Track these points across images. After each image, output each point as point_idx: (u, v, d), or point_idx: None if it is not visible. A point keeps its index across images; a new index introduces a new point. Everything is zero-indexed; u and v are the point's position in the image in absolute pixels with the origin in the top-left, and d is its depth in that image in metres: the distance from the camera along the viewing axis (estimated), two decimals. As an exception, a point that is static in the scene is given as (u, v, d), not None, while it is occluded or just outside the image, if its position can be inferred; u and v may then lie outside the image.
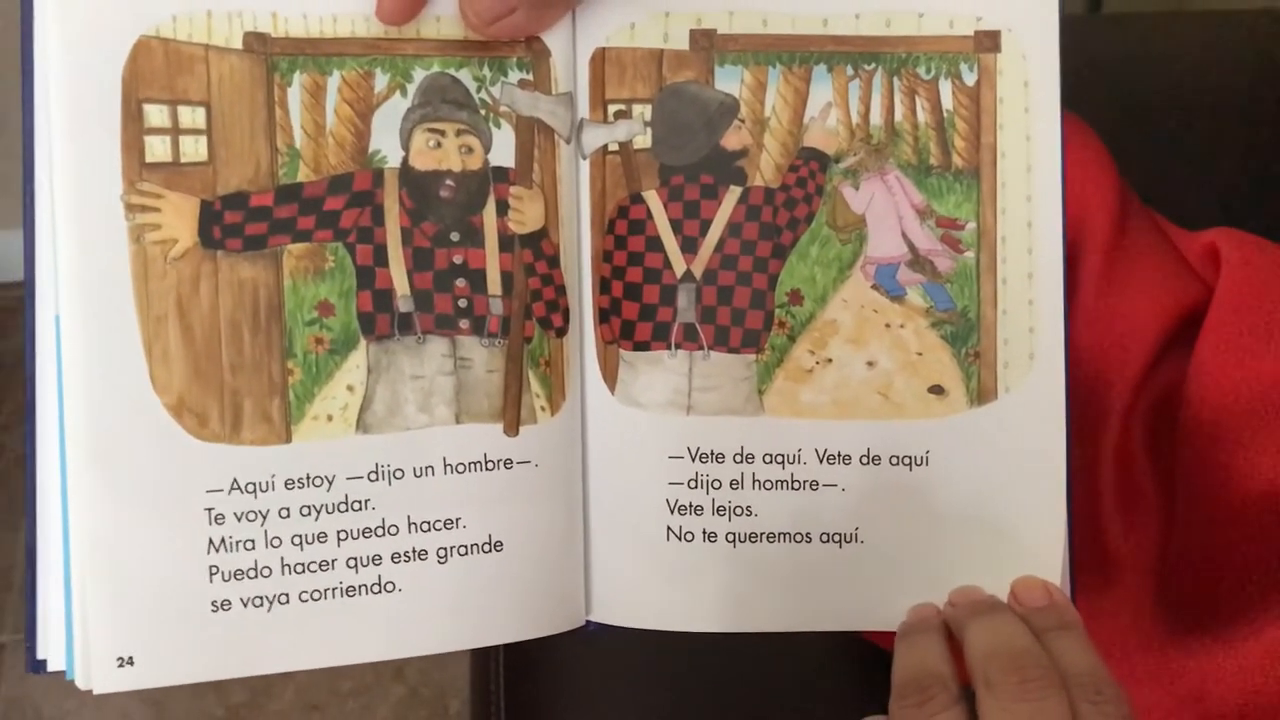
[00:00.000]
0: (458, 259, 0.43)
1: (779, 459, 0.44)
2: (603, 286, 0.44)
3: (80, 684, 0.40)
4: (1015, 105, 0.44)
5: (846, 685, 0.66)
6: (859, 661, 0.68)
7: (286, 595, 0.41)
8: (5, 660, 1.32)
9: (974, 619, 0.39)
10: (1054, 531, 0.43)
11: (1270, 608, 0.44)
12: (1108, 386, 0.45)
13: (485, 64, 0.43)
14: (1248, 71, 0.70)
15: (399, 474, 0.42)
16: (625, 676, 0.61)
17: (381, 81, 0.43)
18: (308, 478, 0.42)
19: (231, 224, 0.41)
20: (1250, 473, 0.44)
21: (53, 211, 0.40)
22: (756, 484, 0.44)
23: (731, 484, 0.44)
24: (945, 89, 0.44)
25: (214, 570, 0.41)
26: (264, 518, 0.41)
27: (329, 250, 0.42)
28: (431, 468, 0.43)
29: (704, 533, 0.44)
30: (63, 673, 0.40)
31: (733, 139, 0.44)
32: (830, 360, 0.44)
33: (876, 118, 0.44)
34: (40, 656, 0.40)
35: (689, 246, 0.44)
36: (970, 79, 0.44)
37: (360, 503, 0.42)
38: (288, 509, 0.41)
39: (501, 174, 0.43)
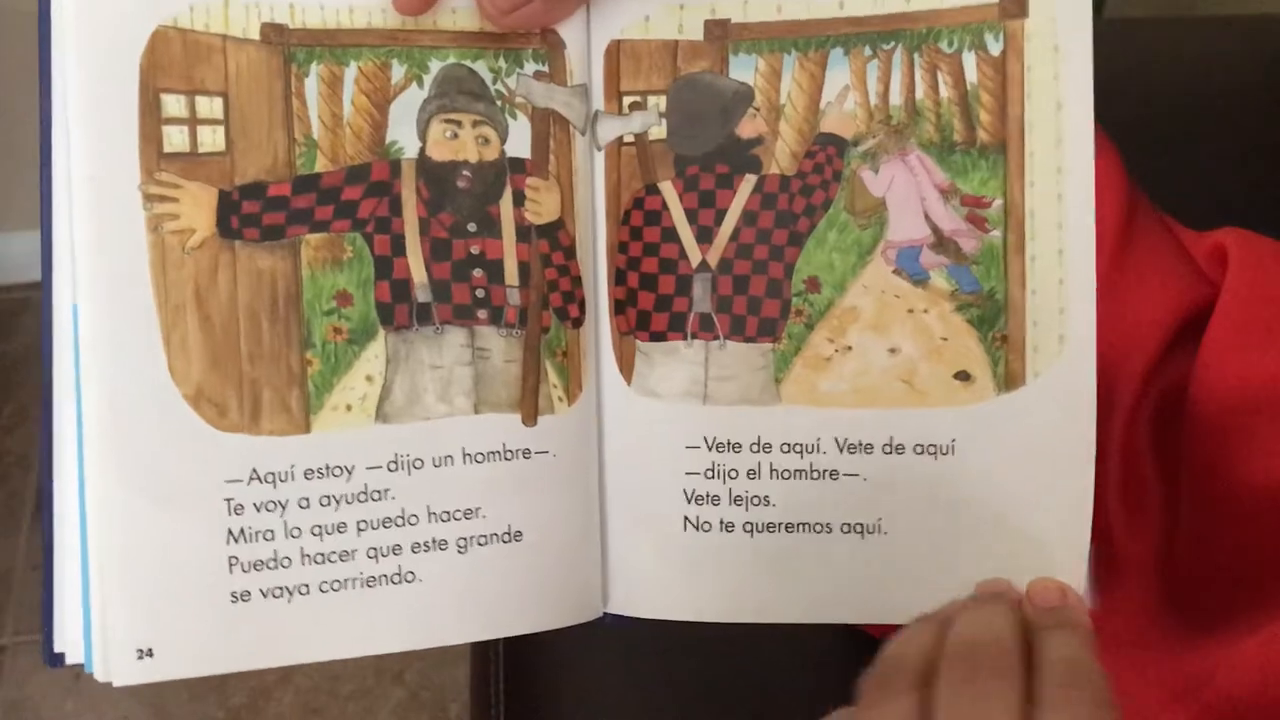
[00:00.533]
0: (475, 249, 0.43)
1: (797, 448, 0.44)
2: (618, 278, 0.44)
3: (99, 676, 0.39)
4: (1044, 73, 0.42)
5: (853, 682, 0.66)
6: (866, 660, 0.68)
7: (306, 586, 0.41)
8: (5, 663, 1.32)
9: (965, 609, 0.38)
10: (1079, 522, 0.42)
11: (1274, 602, 0.44)
12: (1114, 384, 0.45)
13: (501, 56, 0.43)
14: (1252, 77, 0.71)
15: (418, 464, 0.42)
16: (626, 679, 0.61)
17: (398, 73, 0.43)
18: (327, 468, 0.41)
19: (249, 214, 0.41)
20: (1255, 468, 0.44)
21: (70, 202, 0.40)
22: (774, 474, 0.44)
23: (749, 474, 0.44)
24: (969, 61, 0.43)
25: (233, 561, 0.41)
26: (283, 508, 0.41)
27: (347, 240, 0.42)
28: (450, 457, 0.42)
29: (721, 523, 0.44)
30: (76, 667, 0.40)
31: (748, 127, 0.44)
32: (850, 348, 0.44)
33: (896, 98, 0.43)
34: (58, 650, 0.40)
35: (704, 236, 0.44)
36: (995, 48, 0.42)
37: (380, 492, 0.42)
38: (307, 499, 0.41)
39: (518, 165, 0.44)
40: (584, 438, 0.44)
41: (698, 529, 0.44)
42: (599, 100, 0.44)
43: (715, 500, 0.44)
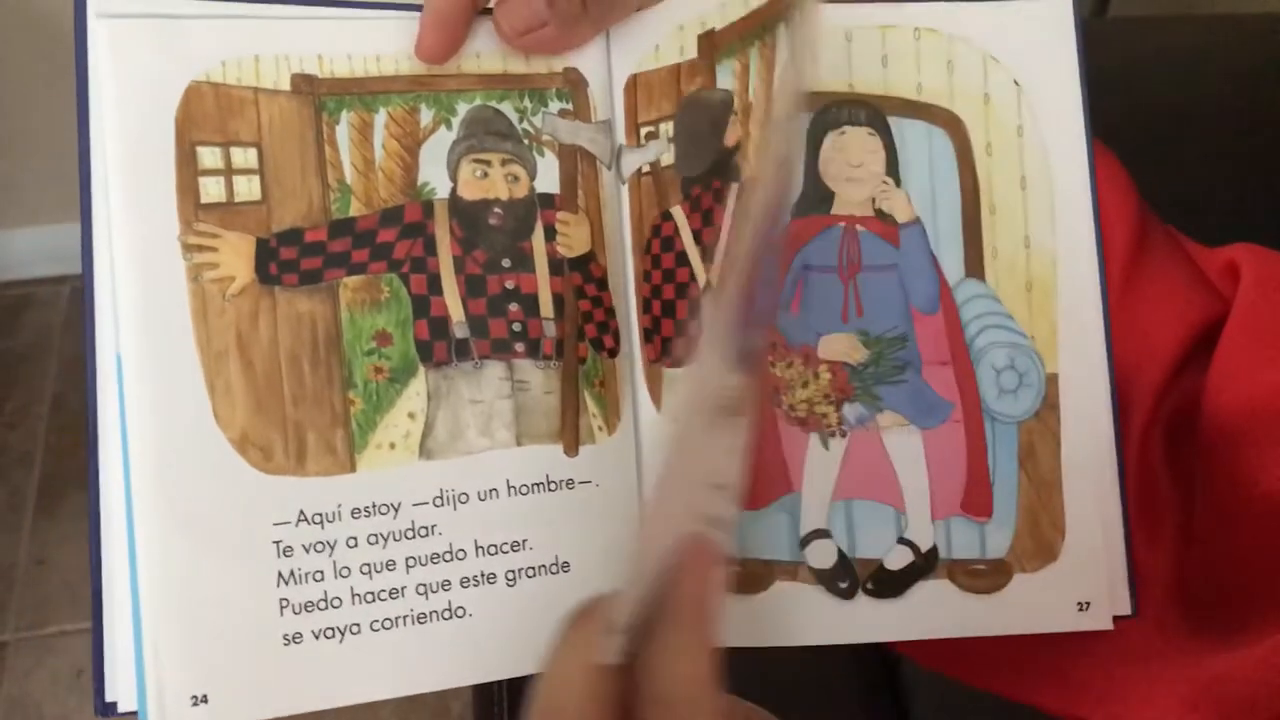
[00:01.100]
0: (510, 284, 0.44)
1: None
2: (645, 306, 0.45)
3: (156, 724, 0.39)
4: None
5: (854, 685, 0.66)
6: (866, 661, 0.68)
7: (358, 625, 0.41)
8: (7, 659, 1.32)
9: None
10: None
11: None
12: (1129, 403, 0.46)
13: (526, 95, 0.44)
14: (1256, 75, 0.72)
15: (464, 498, 0.42)
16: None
17: (427, 116, 0.44)
18: (374, 506, 0.42)
19: (287, 260, 0.42)
20: (1268, 478, 0.45)
21: (110, 253, 0.40)
22: None
23: None
24: None
25: (284, 603, 0.41)
26: (332, 548, 0.41)
27: (384, 281, 0.43)
28: (495, 490, 0.43)
29: (764, 545, 0.44)
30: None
31: (730, 135, 0.45)
32: None
33: None
34: (109, 699, 0.40)
35: (709, 255, 0.45)
36: None
37: (427, 529, 0.42)
38: (355, 538, 0.41)
39: (548, 200, 0.44)
40: (624, 466, 0.44)
41: (740, 552, 0.44)
42: (621, 134, 0.45)
43: (756, 523, 0.44)
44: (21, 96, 1.53)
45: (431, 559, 0.42)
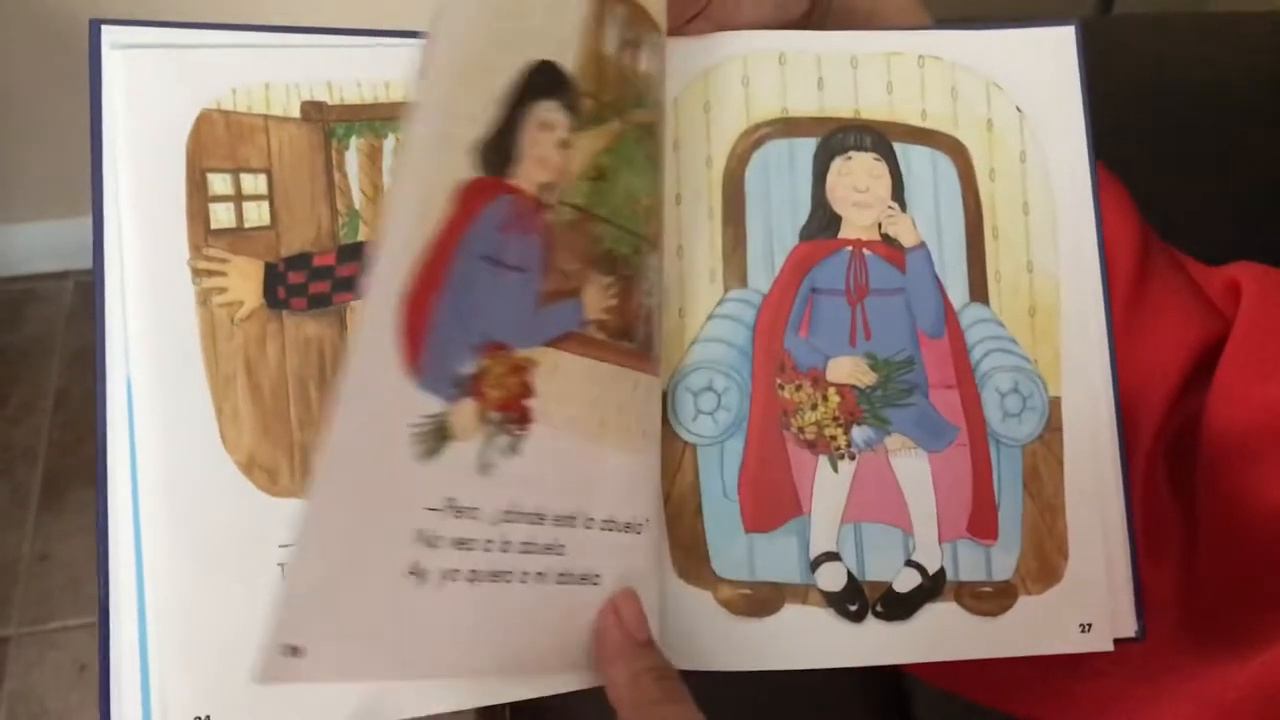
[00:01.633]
0: None
1: None
2: None
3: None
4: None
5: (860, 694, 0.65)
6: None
7: None
8: (10, 654, 1.31)
9: None
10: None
11: None
12: (1133, 425, 0.46)
13: None
14: (1265, 73, 0.72)
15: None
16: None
17: (435, 141, 0.44)
18: None
19: (295, 284, 0.42)
20: (1268, 492, 0.45)
21: (122, 277, 0.41)
22: None
23: None
24: None
25: None
26: None
27: (392, 305, 0.43)
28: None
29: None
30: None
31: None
32: None
33: None
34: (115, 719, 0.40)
35: None
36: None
37: None
38: None
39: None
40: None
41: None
42: None
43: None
44: (24, 92, 1.51)
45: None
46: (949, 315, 0.45)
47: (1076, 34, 0.47)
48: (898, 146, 0.46)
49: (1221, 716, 0.43)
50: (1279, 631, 0.44)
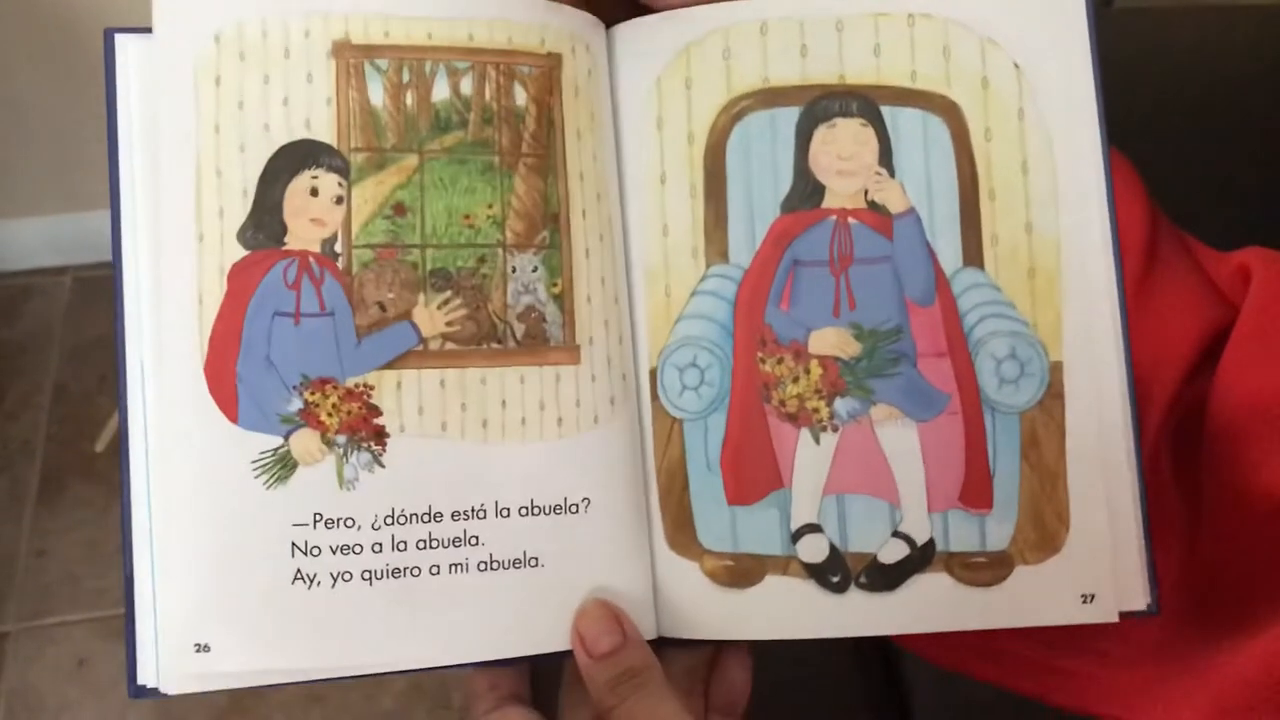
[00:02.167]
0: None
1: None
2: None
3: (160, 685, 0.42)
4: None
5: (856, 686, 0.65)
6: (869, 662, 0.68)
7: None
8: (8, 650, 1.33)
9: None
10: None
11: None
12: (1141, 410, 0.45)
13: None
14: (1265, 65, 0.68)
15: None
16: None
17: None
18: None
19: None
20: (1272, 474, 0.43)
21: (138, 283, 0.43)
22: None
23: None
24: None
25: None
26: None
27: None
28: None
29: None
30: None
31: None
32: None
33: None
34: (141, 681, 0.42)
35: None
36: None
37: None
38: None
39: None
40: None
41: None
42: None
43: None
44: (22, 87, 1.54)
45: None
46: (940, 282, 0.44)
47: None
48: (885, 110, 0.45)
49: (1226, 697, 0.42)
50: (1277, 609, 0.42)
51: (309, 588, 0.42)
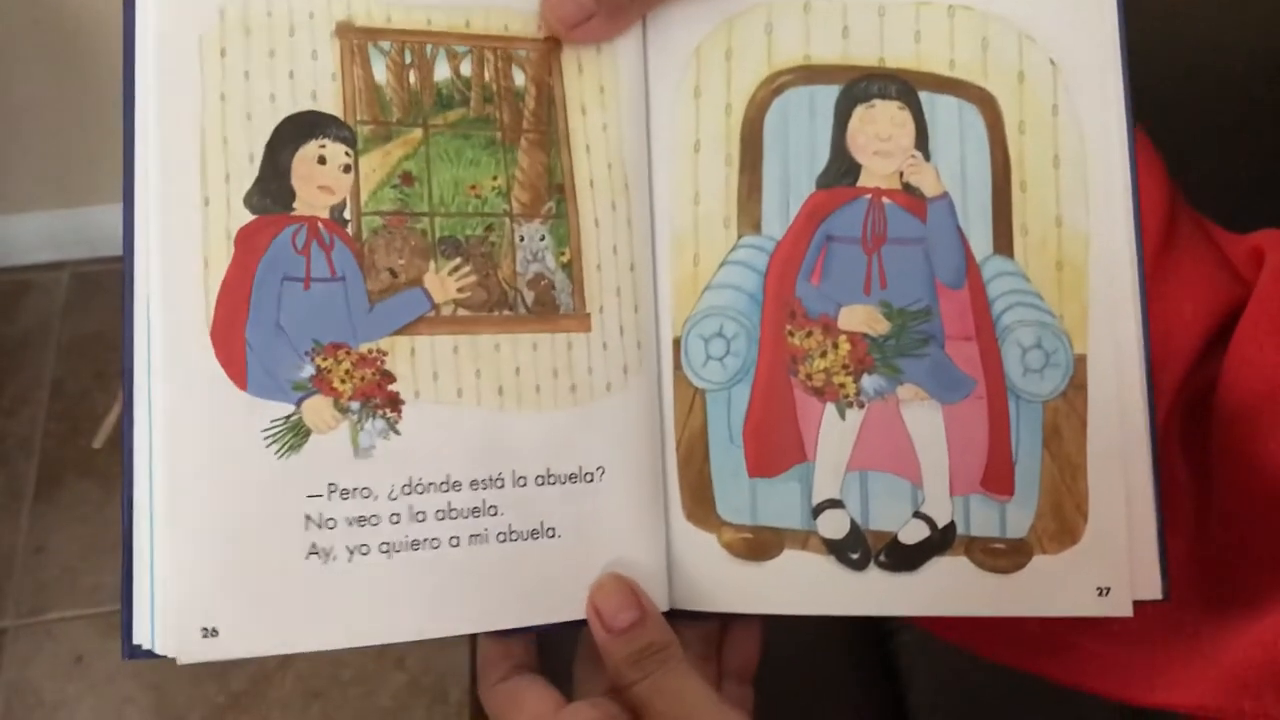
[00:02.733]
0: None
1: None
2: None
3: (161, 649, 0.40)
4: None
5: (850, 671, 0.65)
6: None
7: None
8: (6, 645, 1.33)
9: None
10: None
11: None
12: (1153, 389, 0.45)
13: None
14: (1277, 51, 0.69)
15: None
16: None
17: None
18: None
19: None
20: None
21: (149, 265, 0.41)
22: None
23: None
24: None
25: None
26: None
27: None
28: None
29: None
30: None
31: None
32: None
33: None
34: (136, 641, 0.40)
35: None
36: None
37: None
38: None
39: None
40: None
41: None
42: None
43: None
44: (20, 82, 1.54)
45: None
46: (970, 267, 0.45)
47: (1117, -13, 0.46)
48: (923, 95, 0.45)
49: (1234, 677, 0.42)
50: None
51: (324, 563, 0.41)
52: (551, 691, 0.43)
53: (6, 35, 1.50)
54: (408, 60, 0.44)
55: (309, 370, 0.41)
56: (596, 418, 0.44)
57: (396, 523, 0.41)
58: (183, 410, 0.40)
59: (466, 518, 0.42)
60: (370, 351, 0.42)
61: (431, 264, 0.43)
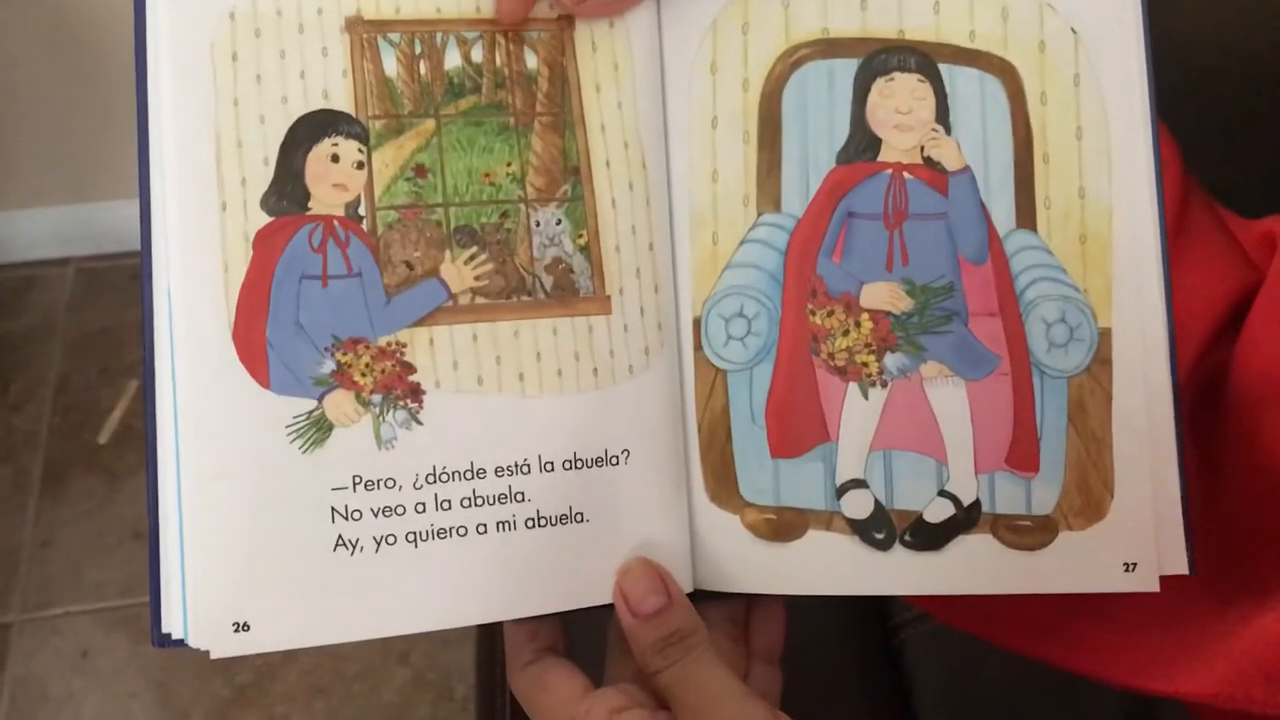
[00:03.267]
0: None
1: None
2: None
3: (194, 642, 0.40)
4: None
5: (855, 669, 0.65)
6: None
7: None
8: (12, 640, 1.33)
9: None
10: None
11: None
12: None
13: None
14: None
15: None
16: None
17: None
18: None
19: None
20: None
21: (165, 224, 0.41)
22: None
23: None
24: None
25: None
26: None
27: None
28: None
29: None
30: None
31: None
32: None
33: None
34: (165, 630, 0.40)
35: None
36: None
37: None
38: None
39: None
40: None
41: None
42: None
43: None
44: (26, 78, 1.54)
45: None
46: (993, 241, 0.44)
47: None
48: (943, 68, 0.45)
49: (1241, 666, 0.41)
50: None
51: (351, 554, 0.41)
52: (579, 675, 0.43)
53: (13, 32, 1.50)
54: (417, 50, 0.44)
55: (329, 366, 0.42)
56: (619, 400, 0.44)
57: (422, 512, 0.42)
58: (207, 410, 0.40)
59: (493, 505, 0.42)
60: (389, 344, 0.42)
61: (448, 254, 0.43)
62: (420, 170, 0.43)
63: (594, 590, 0.43)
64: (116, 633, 1.33)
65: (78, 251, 1.71)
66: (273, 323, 0.41)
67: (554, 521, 0.43)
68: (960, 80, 0.45)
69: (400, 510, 0.41)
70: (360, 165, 0.43)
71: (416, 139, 0.43)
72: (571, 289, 0.44)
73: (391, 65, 0.43)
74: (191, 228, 0.41)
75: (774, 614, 0.46)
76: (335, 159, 0.42)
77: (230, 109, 0.42)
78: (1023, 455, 0.43)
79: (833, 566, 0.43)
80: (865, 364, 0.44)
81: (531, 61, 0.44)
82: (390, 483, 0.42)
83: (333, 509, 0.41)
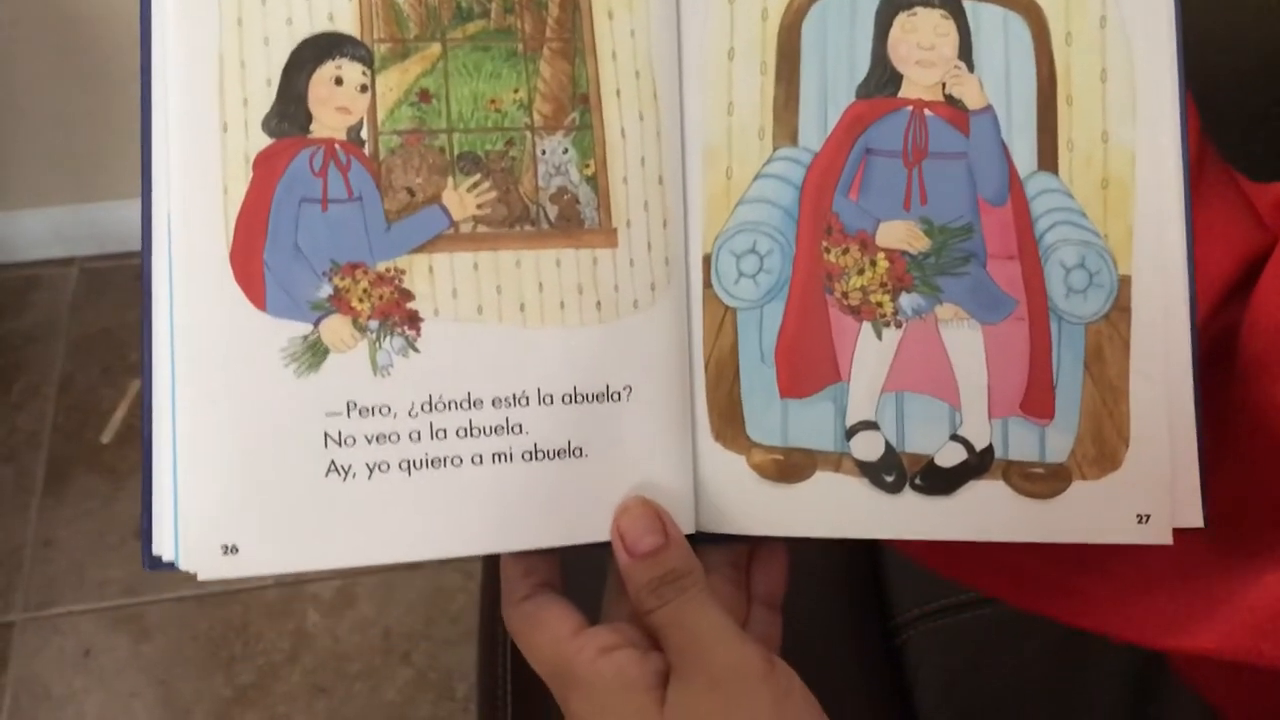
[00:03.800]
0: None
1: None
2: None
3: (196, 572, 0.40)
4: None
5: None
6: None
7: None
8: (15, 639, 1.34)
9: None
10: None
11: None
12: None
13: None
14: None
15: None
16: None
17: None
18: None
19: None
20: None
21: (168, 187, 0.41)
22: None
23: None
24: None
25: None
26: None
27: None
28: None
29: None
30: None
31: None
32: None
33: None
34: (156, 552, 0.40)
35: None
36: None
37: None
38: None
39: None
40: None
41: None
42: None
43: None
44: (28, 78, 1.54)
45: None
46: (1014, 183, 0.43)
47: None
48: (967, 5, 0.43)
49: (1246, 625, 0.41)
50: None
51: (344, 480, 0.41)
52: (573, 613, 0.42)
53: (14, 31, 1.49)
54: None
55: (327, 290, 0.41)
56: (623, 336, 0.43)
57: (416, 441, 0.41)
58: (203, 331, 0.40)
59: (489, 436, 0.41)
60: (388, 270, 0.41)
61: (450, 181, 0.42)
62: (424, 95, 0.42)
63: (592, 527, 0.42)
64: (119, 632, 1.34)
65: (81, 251, 1.72)
66: (271, 245, 0.40)
67: (551, 455, 0.42)
68: (984, 17, 0.43)
69: (394, 438, 0.41)
70: (364, 89, 0.42)
71: (422, 63, 0.42)
72: (576, 220, 0.43)
73: None
74: (192, 148, 0.40)
75: (776, 558, 0.45)
76: (339, 82, 0.42)
77: (234, 29, 0.41)
78: (1038, 401, 0.42)
79: (840, 509, 0.42)
80: (880, 304, 0.43)
81: None
82: (385, 410, 0.41)
83: (326, 434, 0.40)
